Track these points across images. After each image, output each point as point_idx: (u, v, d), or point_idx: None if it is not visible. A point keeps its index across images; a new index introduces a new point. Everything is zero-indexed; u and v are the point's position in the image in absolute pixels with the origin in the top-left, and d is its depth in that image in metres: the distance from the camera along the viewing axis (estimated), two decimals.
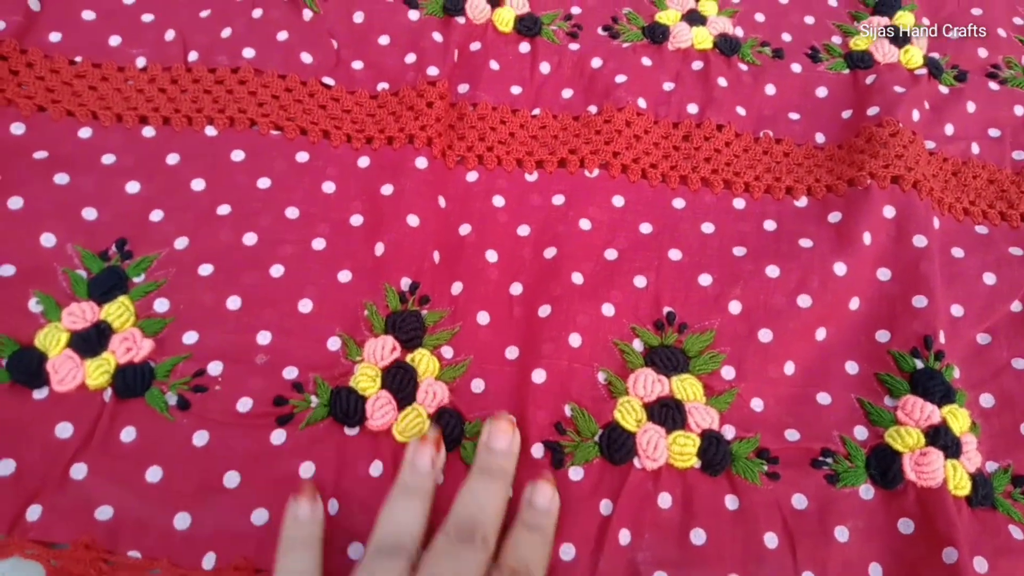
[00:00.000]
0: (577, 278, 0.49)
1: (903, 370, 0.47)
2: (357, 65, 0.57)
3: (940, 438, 0.44)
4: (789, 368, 0.47)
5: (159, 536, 0.40)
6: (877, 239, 0.51)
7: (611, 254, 0.51)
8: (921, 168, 0.53)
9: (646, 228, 0.52)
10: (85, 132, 0.52)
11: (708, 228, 0.52)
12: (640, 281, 0.50)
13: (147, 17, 0.57)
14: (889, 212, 0.52)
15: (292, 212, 0.50)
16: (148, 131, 0.53)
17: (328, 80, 0.56)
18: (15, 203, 0.48)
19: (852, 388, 0.47)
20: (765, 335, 0.47)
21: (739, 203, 0.54)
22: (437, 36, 0.58)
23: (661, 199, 0.54)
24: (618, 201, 0.53)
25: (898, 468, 0.44)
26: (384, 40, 0.58)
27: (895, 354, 0.48)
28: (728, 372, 0.47)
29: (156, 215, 0.50)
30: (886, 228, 0.52)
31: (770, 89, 0.59)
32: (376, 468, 0.42)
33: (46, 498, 0.40)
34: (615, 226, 0.52)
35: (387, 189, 0.51)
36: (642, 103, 0.56)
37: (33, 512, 0.40)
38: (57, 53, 0.55)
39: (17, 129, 0.52)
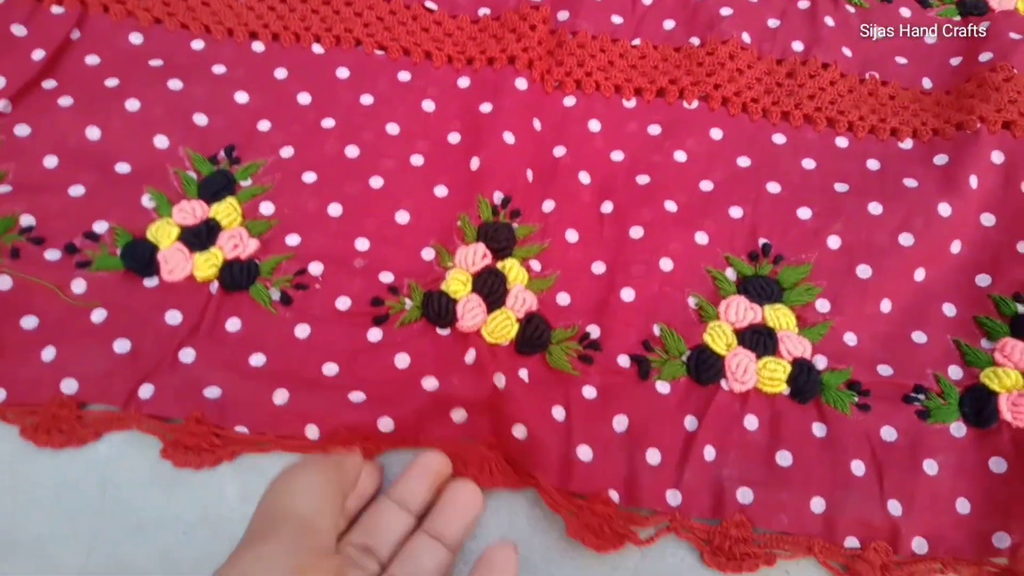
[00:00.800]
0: (671, 206, 0.49)
1: (1003, 314, 0.46)
2: None
3: None
4: (886, 306, 0.46)
5: (264, 412, 0.42)
6: (984, 184, 0.49)
7: (707, 185, 0.51)
8: None
9: (744, 162, 0.52)
10: (198, 44, 0.54)
11: (809, 164, 0.52)
12: (736, 212, 0.49)
13: None
14: (998, 157, 0.50)
15: (393, 128, 0.51)
16: (257, 46, 0.55)
17: (431, 4, 0.56)
18: (132, 105, 0.50)
19: (949, 329, 0.46)
20: (864, 271, 0.47)
21: (842, 142, 0.53)
22: None
23: (762, 134, 0.53)
24: (716, 134, 0.53)
25: (993, 408, 0.43)
26: None
27: (996, 298, 0.47)
28: (823, 305, 0.46)
29: (264, 125, 0.51)
30: (994, 173, 0.50)
31: (878, 31, 0.58)
32: (470, 356, 0.43)
33: (158, 378, 0.43)
34: (712, 158, 0.52)
35: (486, 107, 0.51)
36: (746, 37, 0.55)
37: (145, 390, 0.42)
38: None
39: (135, 39, 0.54)
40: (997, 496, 0.41)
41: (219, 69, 0.53)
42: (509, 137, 0.50)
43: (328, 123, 0.51)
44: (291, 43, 0.55)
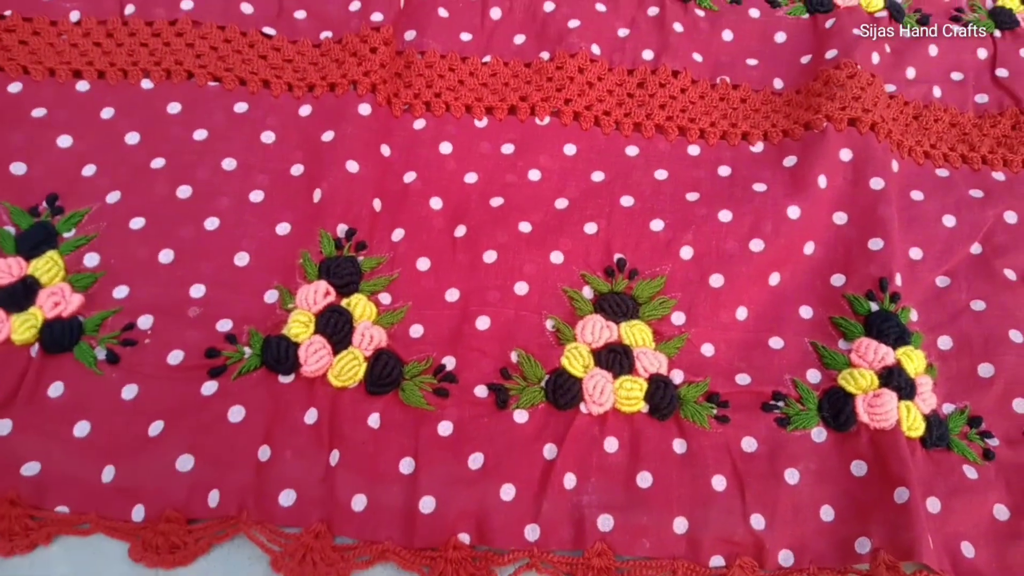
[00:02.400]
0: (525, 227, 0.48)
1: (858, 313, 0.46)
2: (299, 14, 0.55)
3: (894, 379, 0.43)
4: (741, 313, 0.46)
5: (87, 490, 0.39)
6: (833, 182, 0.50)
7: (561, 203, 0.50)
8: (880, 110, 0.52)
9: (598, 176, 0.51)
10: (15, 87, 0.50)
11: (661, 175, 0.51)
12: (591, 228, 0.48)
13: None
14: (846, 155, 0.51)
15: (229, 163, 0.49)
16: (82, 85, 0.51)
17: (269, 30, 0.54)
18: None
19: (806, 332, 0.46)
20: (717, 280, 0.46)
21: (694, 150, 0.52)
22: None
23: (614, 147, 0.52)
24: (570, 149, 0.52)
25: (851, 410, 0.43)
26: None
27: (850, 297, 0.47)
28: (678, 317, 0.45)
29: (88, 170, 0.48)
30: (843, 171, 0.51)
31: (727, 35, 0.58)
32: (311, 416, 0.41)
33: None
34: (566, 175, 0.51)
35: (327, 136, 0.49)
36: (596, 49, 0.55)
37: None
38: None
39: None
40: (859, 500, 0.41)
41: (39, 112, 0.50)
42: (352, 166, 0.48)
43: (158, 163, 0.48)
44: (118, 80, 0.51)
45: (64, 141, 0.49)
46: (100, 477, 0.39)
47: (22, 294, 0.43)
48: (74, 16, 0.54)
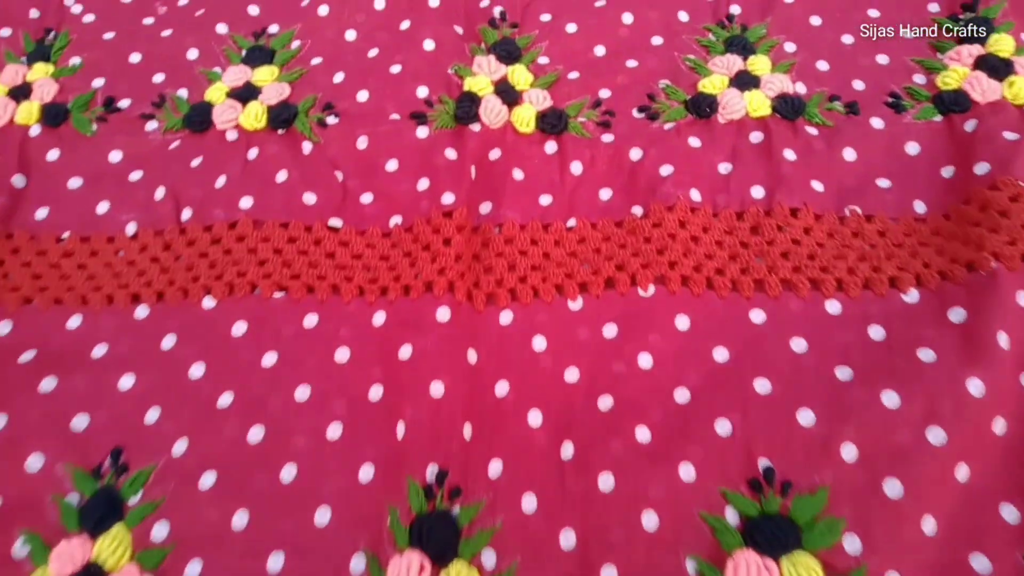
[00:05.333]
0: (643, 434, 0.41)
1: None
2: (366, 198, 0.50)
3: None
4: (929, 526, 0.37)
5: None
6: (1016, 337, 0.40)
7: (682, 395, 0.42)
8: None
9: (721, 355, 0.43)
10: (74, 321, 0.47)
11: (799, 345, 0.43)
12: (723, 427, 0.41)
13: (135, 175, 0.52)
14: None
15: (303, 392, 0.43)
16: (141, 311, 0.47)
17: (335, 221, 0.49)
18: None
19: (1016, 542, 0.37)
20: (893, 487, 0.37)
21: (833, 307, 0.44)
22: (451, 153, 0.51)
23: (735, 313, 0.45)
24: (682, 323, 0.44)
25: None
26: (392, 165, 0.51)
27: None
28: (852, 543, 0.37)
29: (152, 414, 0.43)
30: None
31: (849, 154, 0.50)
32: None
33: None
34: (683, 357, 0.43)
35: (405, 351, 0.43)
36: (696, 195, 0.48)
37: None
38: (44, 231, 0.51)
39: (3, 328, 0.47)
40: None
41: (100, 351, 0.46)
42: (437, 388, 0.42)
43: (226, 400, 0.43)
44: (178, 301, 0.47)
45: (126, 382, 0.45)
46: None
47: None
48: (130, 229, 0.50)
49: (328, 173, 0.51)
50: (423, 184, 0.50)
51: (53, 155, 0.54)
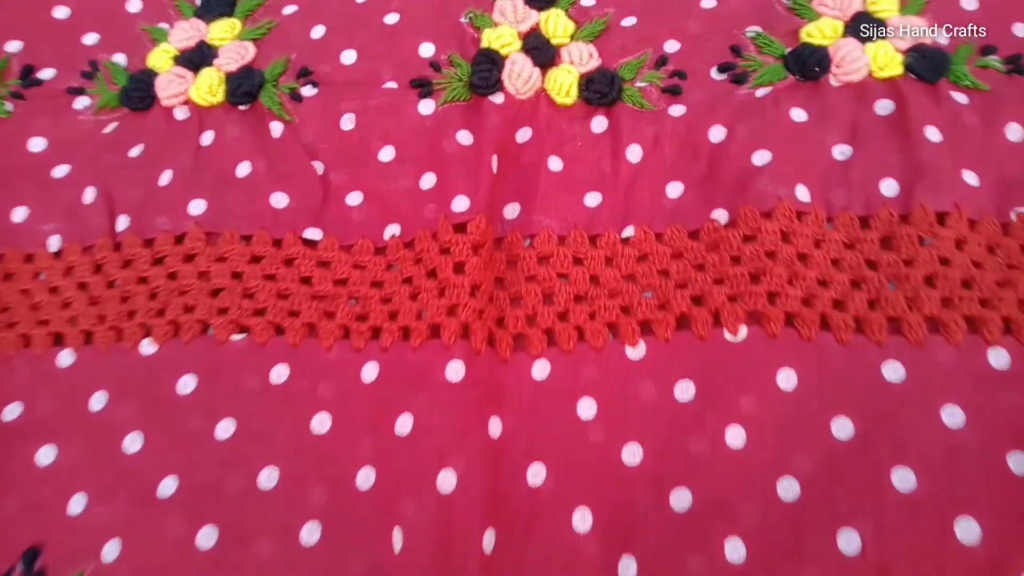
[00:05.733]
0: (736, 550, 0.29)
1: None
2: (353, 199, 0.38)
3: None
4: None
5: None
6: None
7: (789, 490, 0.30)
8: None
9: (843, 429, 0.31)
10: None
11: (954, 417, 0.30)
12: (849, 541, 0.29)
13: (60, 170, 0.41)
14: None
15: (268, 477, 0.32)
16: (65, 357, 0.36)
17: (313, 232, 0.37)
18: None
19: None
20: None
21: (998, 358, 0.31)
22: (464, 136, 0.38)
23: (860, 365, 0.32)
24: (786, 381, 0.32)
25: None
26: (387, 154, 0.39)
27: None
28: None
29: (78, 502, 0.33)
30: None
31: (1015, 132, 0.36)
32: None
33: None
34: (788, 430, 0.31)
35: (404, 423, 0.32)
36: (803, 193, 0.35)
37: None
38: None
39: None
40: None
41: (11, 412, 0.35)
42: (447, 478, 0.30)
43: (168, 486, 0.33)
44: (109, 345, 0.36)
45: (45, 455, 0.34)
46: None
47: None
48: (53, 243, 0.39)
49: (303, 164, 0.39)
50: (428, 180, 0.37)
51: None
